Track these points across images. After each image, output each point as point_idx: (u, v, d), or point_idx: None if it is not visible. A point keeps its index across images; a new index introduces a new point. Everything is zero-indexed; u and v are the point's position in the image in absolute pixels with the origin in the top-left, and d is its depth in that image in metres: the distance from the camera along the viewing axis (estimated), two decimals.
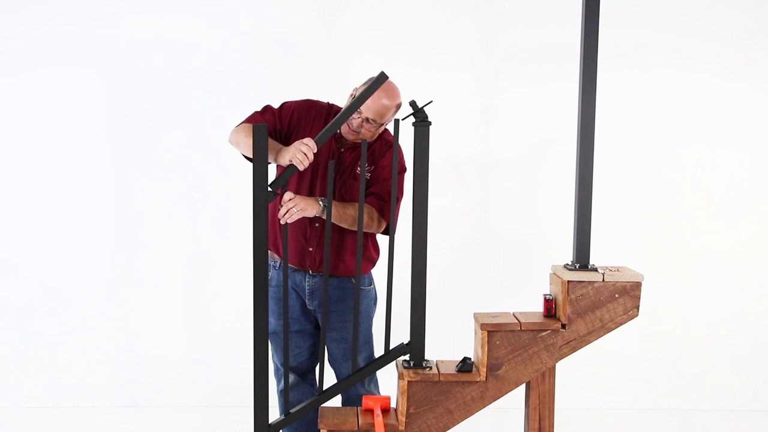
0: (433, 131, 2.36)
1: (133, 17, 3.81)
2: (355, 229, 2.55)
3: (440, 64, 3.86)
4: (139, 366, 3.96)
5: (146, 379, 3.96)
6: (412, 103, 2.34)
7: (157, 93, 3.85)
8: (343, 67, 3.87)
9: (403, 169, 2.70)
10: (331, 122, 2.32)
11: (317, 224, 2.64)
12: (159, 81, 3.84)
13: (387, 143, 2.67)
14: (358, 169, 2.60)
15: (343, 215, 2.54)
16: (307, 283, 2.71)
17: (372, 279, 2.83)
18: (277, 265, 2.71)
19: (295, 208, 2.38)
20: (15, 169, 3.86)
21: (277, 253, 2.70)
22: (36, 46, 3.80)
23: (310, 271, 2.70)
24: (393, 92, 2.53)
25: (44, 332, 3.90)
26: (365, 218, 2.55)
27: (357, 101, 2.33)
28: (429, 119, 2.35)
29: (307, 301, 2.74)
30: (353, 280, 2.72)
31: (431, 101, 2.37)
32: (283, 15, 3.86)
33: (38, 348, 3.91)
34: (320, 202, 2.47)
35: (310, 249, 2.66)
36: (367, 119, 2.52)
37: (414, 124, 2.34)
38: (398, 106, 2.56)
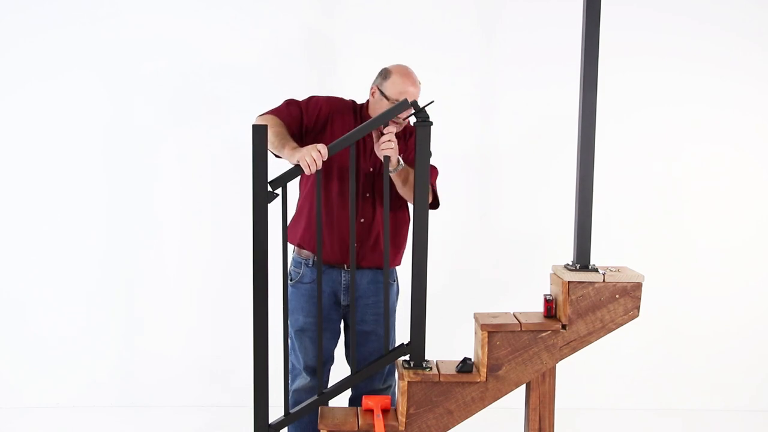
0: (434, 131, 2.36)
1: (133, 17, 3.81)
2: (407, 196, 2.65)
3: (440, 64, 3.86)
4: (139, 366, 3.95)
5: (146, 379, 3.96)
6: (414, 103, 2.34)
7: (158, 93, 3.84)
8: (343, 67, 3.87)
9: None
10: (349, 133, 2.34)
11: (362, 220, 2.67)
12: (159, 81, 3.84)
13: (408, 128, 2.76)
14: None
15: (408, 179, 2.59)
16: (343, 278, 2.73)
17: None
18: (310, 263, 2.72)
19: (392, 143, 2.42)
20: (15, 169, 3.86)
21: (312, 250, 2.72)
22: (36, 48, 3.80)
23: (345, 267, 2.71)
24: (416, 81, 2.65)
25: (44, 332, 3.90)
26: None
27: (377, 120, 2.37)
28: (430, 119, 2.35)
29: (342, 297, 2.75)
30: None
31: (433, 101, 2.37)
32: (283, 15, 3.86)
33: (38, 348, 3.91)
34: (400, 161, 2.53)
35: (354, 245, 2.67)
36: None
37: (415, 124, 2.34)
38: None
